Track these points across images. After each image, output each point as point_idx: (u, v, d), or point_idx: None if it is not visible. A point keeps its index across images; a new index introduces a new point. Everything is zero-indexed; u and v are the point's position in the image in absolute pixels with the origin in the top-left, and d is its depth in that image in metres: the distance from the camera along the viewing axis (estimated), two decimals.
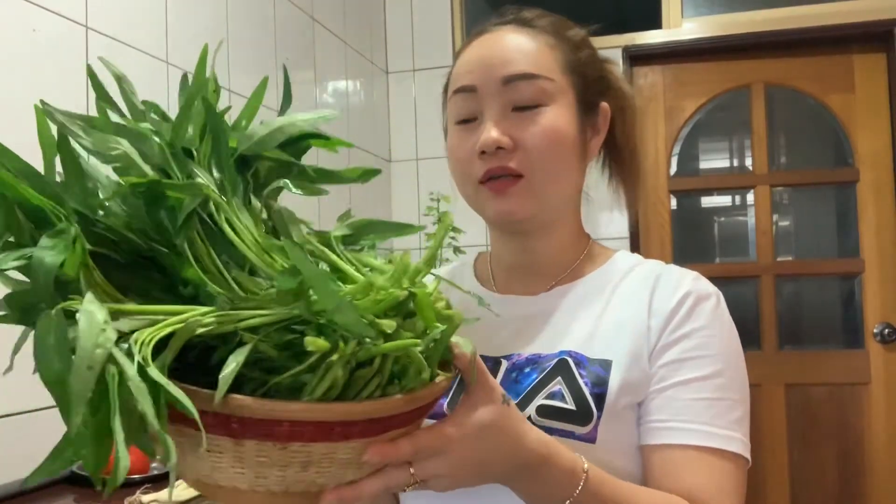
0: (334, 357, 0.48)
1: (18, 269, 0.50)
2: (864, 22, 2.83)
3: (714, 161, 3.18)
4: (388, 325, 0.50)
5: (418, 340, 0.53)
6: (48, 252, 0.47)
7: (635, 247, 2.95)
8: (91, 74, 0.58)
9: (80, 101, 1.53)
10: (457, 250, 2.72)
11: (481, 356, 0.87)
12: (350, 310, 0.48)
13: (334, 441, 0.51)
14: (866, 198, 2.91)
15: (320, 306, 0.48)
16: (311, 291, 0.49)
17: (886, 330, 2.84)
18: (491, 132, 0.84)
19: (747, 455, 0.79)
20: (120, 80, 0.59)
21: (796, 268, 3.02)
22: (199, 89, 0.56)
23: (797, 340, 2.99)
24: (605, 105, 0.91)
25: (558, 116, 0.85)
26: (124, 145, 0.54)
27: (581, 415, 0.79)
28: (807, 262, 3.02)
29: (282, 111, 0.64)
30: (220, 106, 0.57)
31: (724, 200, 3.17)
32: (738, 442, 0.78)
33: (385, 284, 0.51)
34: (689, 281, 0.86)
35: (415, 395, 0.54)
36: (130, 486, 1.28)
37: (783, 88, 2.98)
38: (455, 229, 2.76)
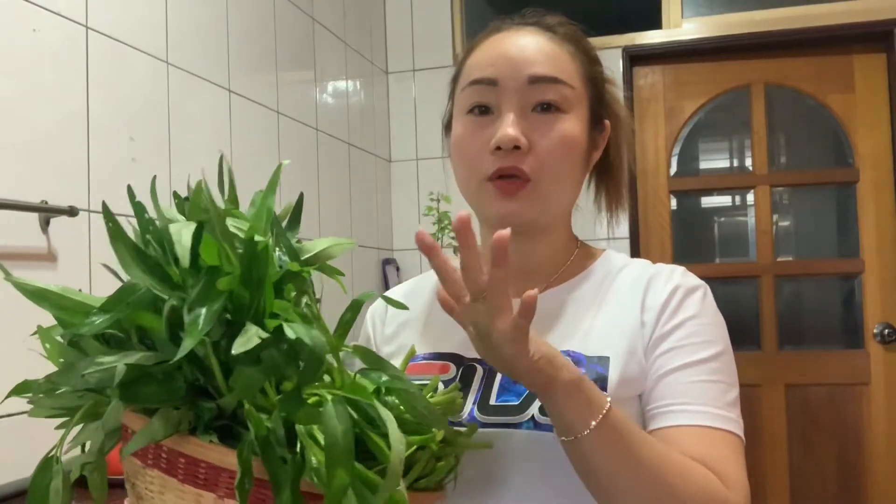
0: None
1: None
2: (864, 22, 2.83)
3: (714, 161, 3.18)
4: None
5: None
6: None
7: (635, 247, 2.95)
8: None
9: (80, 102, 1.53)
10: (457, 250, 2.72)
11: (478, 359, 0.87)
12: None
13: None
14: (866, 198, 2.91)
15: None
16: None
17: (886, 330, 2.84)
18: (509, 129, 0.84)
19: (742, 435, 0.82)
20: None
21: (796, 268, 3.02)
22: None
23: (797, 340, 2.98)
24: (607, 122, 0.93)
25: (574, 125, 0.87)
26: None
27: None
28: (807, 262, 3.01)
29: (291, 227, 0.69)
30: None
31: (724, 200, 3.17)
32: (734, 423, 0.81)
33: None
34: (677, 276, 0.89)
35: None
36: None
37: (783, 88, 2.98)
38: None
